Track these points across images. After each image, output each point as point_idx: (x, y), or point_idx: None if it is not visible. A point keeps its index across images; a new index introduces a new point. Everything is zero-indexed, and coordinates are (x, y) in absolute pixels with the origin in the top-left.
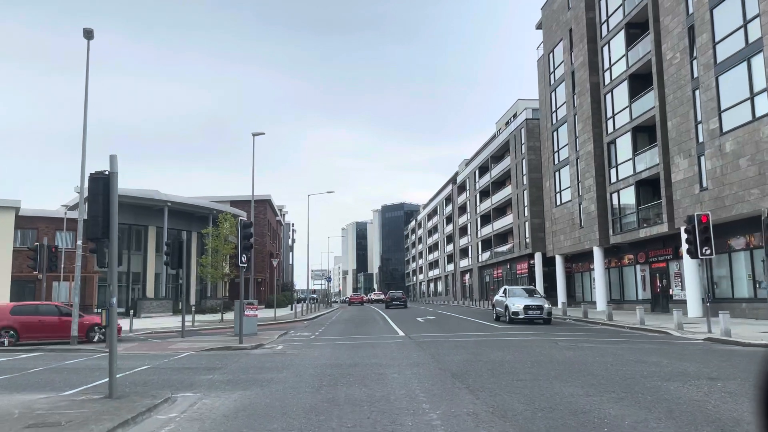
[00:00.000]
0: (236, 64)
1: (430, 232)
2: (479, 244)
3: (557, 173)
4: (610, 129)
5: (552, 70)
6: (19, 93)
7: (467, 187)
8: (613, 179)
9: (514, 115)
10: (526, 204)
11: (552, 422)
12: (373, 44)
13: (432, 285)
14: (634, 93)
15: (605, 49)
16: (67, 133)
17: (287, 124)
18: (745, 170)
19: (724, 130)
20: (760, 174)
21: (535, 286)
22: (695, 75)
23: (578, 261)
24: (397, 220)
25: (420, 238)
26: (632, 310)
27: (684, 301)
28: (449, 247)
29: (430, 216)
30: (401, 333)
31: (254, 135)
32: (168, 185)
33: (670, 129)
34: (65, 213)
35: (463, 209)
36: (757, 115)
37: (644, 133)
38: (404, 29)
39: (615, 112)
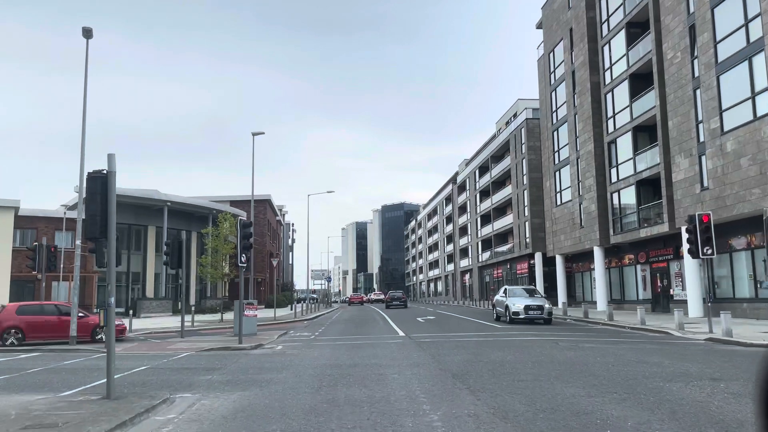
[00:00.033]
0: (236, 64)
1: (430, 232)
2: (479, 243)
3: (557, 173)
4: (611, 128)
5: (552, 69)
6: (19, 93)
7: (467, 187)
8: (614, 179)
9: (515, 115)
10: (526, 204)
11: (554, 423)
12: (373, 44)
13: (432, 285)
14: (635, 92)
15: (606, 48)
16: (66, 133)
17: (287, 124)
18: (746, 170)
19: (725, 129)
20: (761, 173)
21: (535, 286)
22: (696, 74)
23: (578, 261)
24: (397, 220)
25: (420, 238)
26: (633, 310)
27: (685, 301)
28: (449, 247)
29: (430, 216)
30: (401, 333)
31: (254, 135)
32: (168, 185)
33: (670, 128)
34: (64, 213)
35: (463, 209)
36: (759, 114)
37: (645, 133)
38: (404, 29)
39: (615, 112)
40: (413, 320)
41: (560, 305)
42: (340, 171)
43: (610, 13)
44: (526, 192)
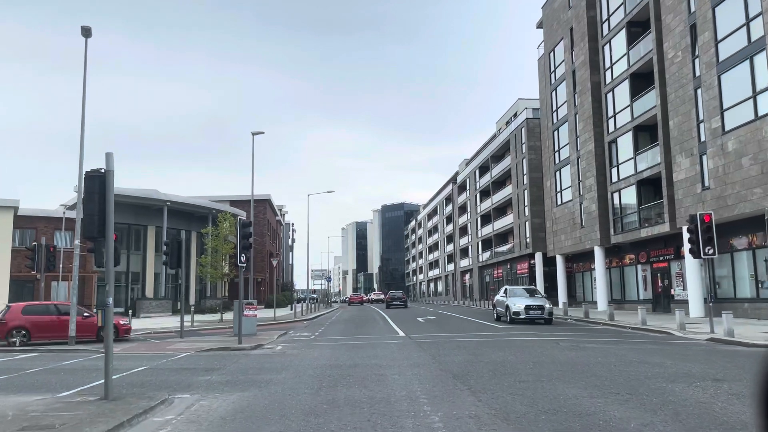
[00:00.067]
0: (236, 64)
1: (430, 232)
2: (479, 243)
3: (558, 173)
4: (611, 128)
5: (553, 69)
6: (19, 93)
7: (467, 187)
8: (614, 179)
9: (515, 115)
10: (526, 204)
11: (556, 425)
12: (373, 44)
13: (432, 285)
14: (636, 92)
15: (606, 47)
16: (66, 133)
17: (287, 124)
18: (747, 169)
19: (727, 129)
20: (763, 173)
21: (535, 286)
22: (697, 74)
23: (579, 261)
24: (397, 220)
25: (420, 238)
26: (633, 310)
27: (685, 301)
28: (449, 247)
29: (430, 216)
30: (401, 333)
31: (253, 134)
32: (168, 185)
33: (671, 128)
34: (64, 213)
35: (463, 209)
36: (760, 114)
37: (645, 132)
38: (404, 29)
39: (616, 111)
40: (413, 320)
41: (561, 305)
42: (340, 171)
43: (610, 13)
44: (526, 192)
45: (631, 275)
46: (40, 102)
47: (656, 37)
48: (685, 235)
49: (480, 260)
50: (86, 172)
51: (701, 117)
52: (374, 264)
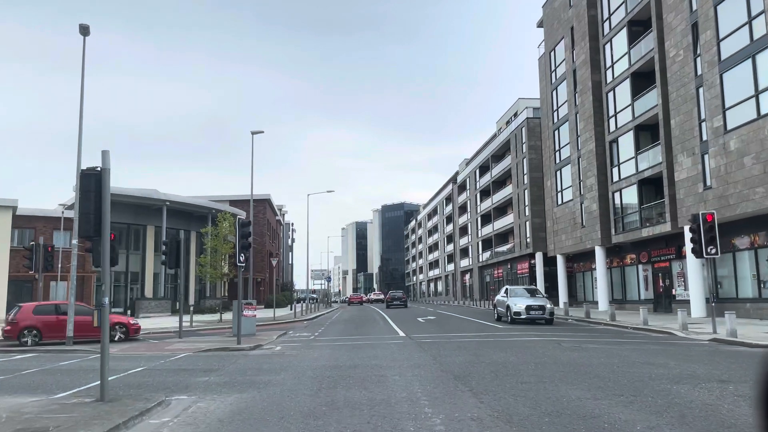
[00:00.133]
0: (236, 64)
1: (430, 232)
2: (479, 243)
3: (558, 172)
4: (612, 127)
5: (553, 68)
6: (19, 93)
7: (467, 187)
8: (615, 178)
9: (515, 114)
10: (526, 203)
11: (560, 428)
12: (373, 44)
13: (432, 285)
14: (637, 91)
15: (607, 47)
16: (66, 132)
17: (287, 124)
18: (749, 168)
19: (729, 128)
20: (765, 172)
21: (536, 286)
22: (699, 72)
23: (580, 261)
24: (397, 219)
25: (420, 238)
26: (634, 310)
27: (687, 301)
28: (449, 247)
29: (430, 216)
30: (402, 333)
31: (253, 133)
32: (168, 185)
33: (673, 127)
34: (62, 212)
35: (463, 209)
36: (762, 112)
37: (647, 132)
38: (404, 29)
39: (617, 111)
40: (413, 320)
41: (561, 305)
42: (340, 171)
43: (611, 12)
44: (526, 191)
45: (632, 275)
46: (40, 102)
47: (657, 36)
48: (687, 235)
49: (480, 260)
50: (82, 170)
51: (703, 116)
52: (374, 264)
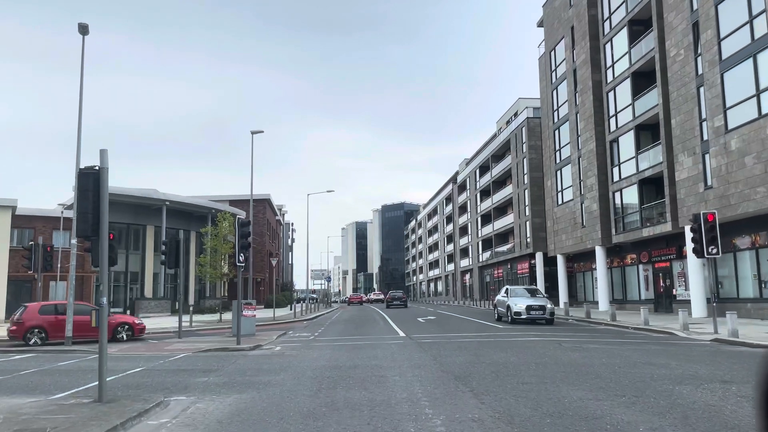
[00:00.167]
0: (236, 64)
1: (430, 232)
2: (480, 243)
3: (559, 172)
4: (613, 127)
5: (553, 68)
6: (19, 92)
7: (467, 187)
8: (616, 178)
9: (515, 114)
10: (527, 203)
11: (562, 429)
12: (373, 44)
13: (432, 285)
14: (637, 91)
15: (608, 46)
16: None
17: (287, 124)
18: (750, 168)
19: (730, 127)
20: (766, 172)
21: (536, 286)
22: (700, 72)
23: (580, 261)
24: (397, 219)
25: (420, 238)
26: (635, 311)
27: (688, 301)
28: (449, 247)
29: (430, 216)
30: (402, 333)
31: (253, 133)
32: (167, 185)
33: (674, 127)
34: (62, 212)
35: (463, 209)
36: (764, 112)
37: (647, 131)
38: (404, 29)
39: (617, 110)
40: (413, 320)
41: (562, 305)
42: (340, 171)
43: (612, 11)
44: (526, 191)
45: (632, 275)
46: (40, 102)
47: (658, 36)
48: (688, 235)
49: (480, 260)
50: (80, 169)
51: (704, 115)
52: (374, 264)
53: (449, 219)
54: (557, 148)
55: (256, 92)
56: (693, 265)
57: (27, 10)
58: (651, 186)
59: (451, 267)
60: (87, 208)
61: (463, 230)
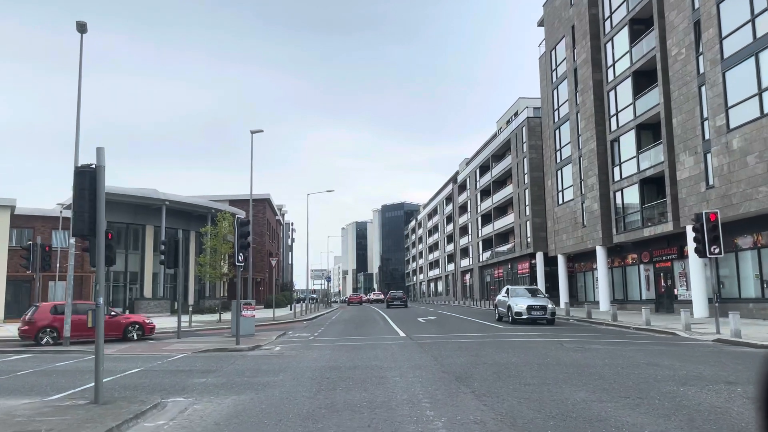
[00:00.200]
0: (236, 64)
1: (431, 232)
2: (480, 243)
3: (559, 172)
4: (614, 126)
5: (554, 67)
6: (19, 92)
7: (468, 187)
8: (617, 177)
9: (516, 114)
10: (527, 203)
11: (566, 431)
12: (373, 44)
13: (432, 285)
14: (639, 90)
15: (608, 45)
16: (67, 132)
17: (287, 124)
18: (753, 167)
19: (731, 126)
20: None
21: (537, 286)
22: (701, 71)
23: (581, 260)
24: (397, 219)
25: (420, 238)
26: (636, 311)
27: (689, 302)
28: (450, 247)
29: (430, 215)
30: (402, 334)
31: (252, 132)
32: (167, 185)
33: (675, 126)
34: (61, 212)
35: (463, 208)
36: (766, 111)
37: (648, 131)
38: (404, 29)
39: (618, 110)
40: (414, 320)
41: (562, 305)
42: (340, 171)
43: (612, 10)
44: (527, 191)
45: (633, 275)
46: (40, 102)
47: (659, 35)
48: (690, 234)
49: (480, 260)
50: (76, 167)
51: (705, 115)
52: (374, 264)
53: (449, 219)
54: (558, 147)
55: (256, 92)
56: (694, 265)
57: (27, 10)
58: (652, 185)
59: (451, 267)
60: (84, 206)
61: (464, 230)
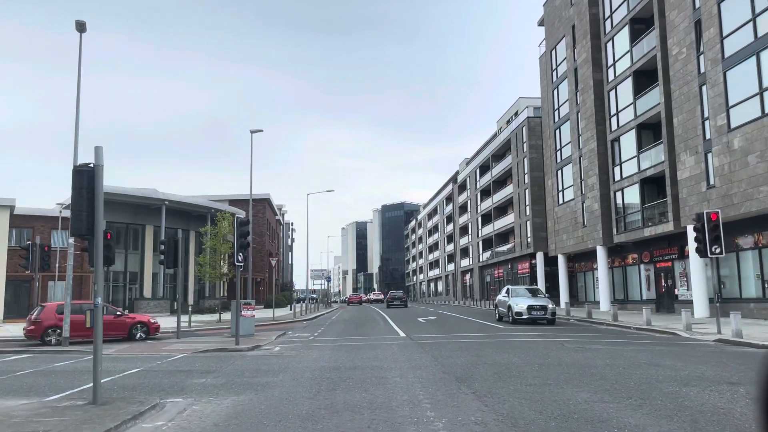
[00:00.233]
0: (236, 64)
1: (431, 232)
2: (480, 243)
3: (559, 172)
4: (614, 126)
5: (554, 67)
6: (19, 92)
7: (468, 186)
8: (617, 177)
9: (516, 114)
10: (527, 203)
11: None
12: (373, 44)
13: (432, 285)
14: (639, 89)
15: (609, 45)
16: (67, 132)
17: (287, 124)
18: (753, 167)
19: (732, 126)
20: None
21: (537, 285)
22: (702, 70)
23: (581, 260)
24: (397, 219)
25: (420, 238)
26: (636, 311)
27: (689, 302)
28: (450, 247)
29: (430, 215)
30: (402, 334)
31: (252, 132)
32: (167, 184)
33: (675, 126)
34: (60, 211)
35: (463, 208)
36: (767, 111)
37: (649, 131)
38: (404, 29)
39: (619, 109)
40: (414, 320)
41: (563, 305)
42: (340, 171)
43: (613, 10)
44: (527, 191)
45: (633, 275)
46: (40, 102)
47: (660, 34)
48: (691, 234)
49: (480, 260)
50: (74, 166)
51: (706, 114)
52: (374, 264)
53: (449, 219)
54: (558, 147)
55: (256, 92)
56: (695, 264)
57: (27, 10)
58: (652, 185)
59: (451, 267)
60: (82, 206)
61: (464, 230)
